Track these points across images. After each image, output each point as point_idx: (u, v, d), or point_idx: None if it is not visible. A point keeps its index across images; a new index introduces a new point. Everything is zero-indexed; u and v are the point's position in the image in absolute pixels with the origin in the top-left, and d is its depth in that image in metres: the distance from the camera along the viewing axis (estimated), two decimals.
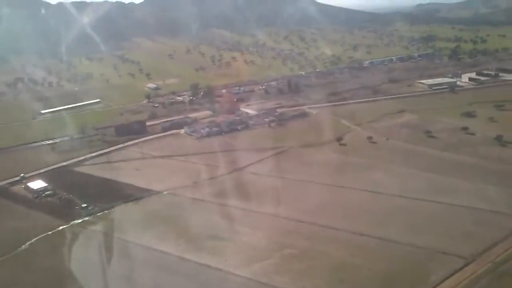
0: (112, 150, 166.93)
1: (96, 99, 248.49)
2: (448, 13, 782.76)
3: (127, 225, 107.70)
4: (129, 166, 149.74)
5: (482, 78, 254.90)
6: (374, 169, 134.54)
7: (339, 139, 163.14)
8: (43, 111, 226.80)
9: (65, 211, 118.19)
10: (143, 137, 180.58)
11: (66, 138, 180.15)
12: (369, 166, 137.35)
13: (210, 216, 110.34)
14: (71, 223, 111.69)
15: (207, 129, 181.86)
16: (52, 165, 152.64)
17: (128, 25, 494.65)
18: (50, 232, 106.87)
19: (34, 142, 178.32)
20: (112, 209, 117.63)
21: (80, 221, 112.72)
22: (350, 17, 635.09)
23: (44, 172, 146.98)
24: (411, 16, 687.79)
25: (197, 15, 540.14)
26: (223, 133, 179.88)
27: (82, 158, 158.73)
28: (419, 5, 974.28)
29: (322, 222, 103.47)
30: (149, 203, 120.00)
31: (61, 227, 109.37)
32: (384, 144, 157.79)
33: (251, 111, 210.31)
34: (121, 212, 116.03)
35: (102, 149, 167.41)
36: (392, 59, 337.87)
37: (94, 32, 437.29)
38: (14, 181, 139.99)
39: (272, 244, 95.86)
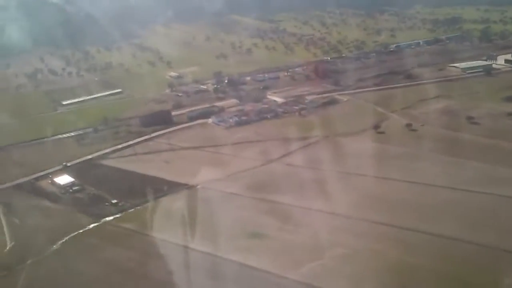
0: (139, 142, 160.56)
1: (117, 89, 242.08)
2: None
3: (161, 223, 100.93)
4: (157, 159, 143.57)
5: None
6: (418, 158, 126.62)
7: (376, 127, 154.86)
8: (64, 102, 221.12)
9: (94, 208, 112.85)
10: (170, 127, 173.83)
11: (89, 130, 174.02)
12: (412, 155, 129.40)
13: (249, 212, 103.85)
14: (102, 220, 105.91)
15: (235, 118, 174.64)
16: (78, 158, 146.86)
17: (144, 12, 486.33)
18: (81, 231, 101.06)
19: (57, 135, 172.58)
20: (144, 205, 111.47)
21: (111, 218, 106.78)
22: (369, 0, 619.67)
23: (70, 166, 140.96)
24: None
25: (214, 2, 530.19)
26: (252, 122, 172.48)
27: (108, 150, 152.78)
28: None
29: (371, 218, 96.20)
30: (183, 198, 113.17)
31: (92, 225, 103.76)
32: (424, 131, 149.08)
33: (279, 99, 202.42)
34: (154, 208, 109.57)
35: (128, 141, 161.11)
36: (419, 42, 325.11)
37: (110, 20, 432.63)
38: (40, 176, 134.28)
39: (320, 242, 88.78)
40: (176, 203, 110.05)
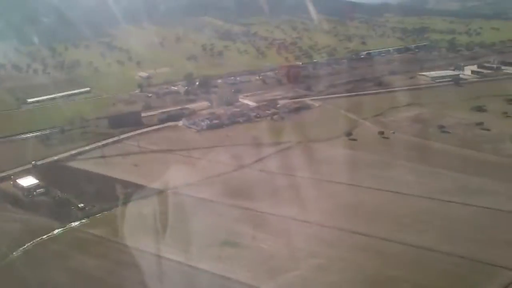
0: (107, 143, 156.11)
1: (85, 87, 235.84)
2: (437, 5, 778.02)
3: (130, 229, 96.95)
4: (126, 161, 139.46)
5: (485, 71, 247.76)
6: (391, 166, 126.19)
7: (348, 133, 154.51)
8: (29, 100, 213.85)
9: (60, 212, 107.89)
10: (139, 129, 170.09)
11: (55, 130, 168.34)
12: (385, 163, 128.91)
13: (221, 219, 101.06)
14: (68, 226, 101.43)
15: (207, 122, 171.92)
16: (43, 159, 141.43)
17: (115, 11, 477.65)
18: (45, 237, 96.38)
19: (21, 134, 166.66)
20: (112, 210, 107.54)
21: (78, 223, 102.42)
22: (340, 7, 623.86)
23: (35, 167, 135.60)
24: (400, 7, 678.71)
25: (185, 3, 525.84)
26: (224, 126, 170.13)
27: (74, 152, 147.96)
28: None
29: (345, 227, 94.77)
30: (152, 203, 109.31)
31: (56, 231, 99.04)
32: (397, 139, 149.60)
33: (251, 103, 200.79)
34: (123, 213, 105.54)
35: (96, 142, 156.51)
36: (389, 50, 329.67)
37: (78, 17, 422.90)
38: (1, 177, 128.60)
39: (294, 252, 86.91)
40: (145, 208, 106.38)
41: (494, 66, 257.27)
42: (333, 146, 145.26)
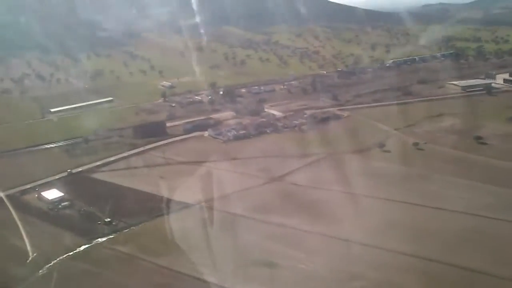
0: (132, 154, 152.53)
1: (108, 97, 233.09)
2: (458, 13, 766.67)
3: (159, 246, 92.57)
4: (153, 173, 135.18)
5: None
6: (429, 180, 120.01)
7: (381, 145, 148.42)
8: (52, 110, 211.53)
9: (86, 227, 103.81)
10: (164, 139, 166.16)
11: (79, 140, 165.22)
12: (422, 176, 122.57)
13: (255, 236, 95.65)
14: (94, 242, 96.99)
15: (233, 132, 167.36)
16: (67, 170, 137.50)
17: (136, 20, 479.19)
18: (70, 254, 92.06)
19: (45, 144, 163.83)
20: (141, 225, 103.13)
21: (104, 239, 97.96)
22: (360, 15, 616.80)
23: (59, 178, 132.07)
24: (421, 16, 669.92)
25: (205, 12, 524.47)
26: (251, 137, 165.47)
27: (99, 163, 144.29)
28: (426, 5, 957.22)
29: (388, 246, 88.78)
30: (182, 218, 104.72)
31: (83, 247, 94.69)
32: (432, 151, 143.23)
33: (277, 113, 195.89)
34: (151, 229, 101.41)
35: (121, 153, 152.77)
36: (415, 58, 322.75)
37: (100, 26, 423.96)
38: (26, 189, 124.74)
39: (336, 273, 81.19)
40: (175, 223, 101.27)
41: None
42: (366, 158, 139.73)
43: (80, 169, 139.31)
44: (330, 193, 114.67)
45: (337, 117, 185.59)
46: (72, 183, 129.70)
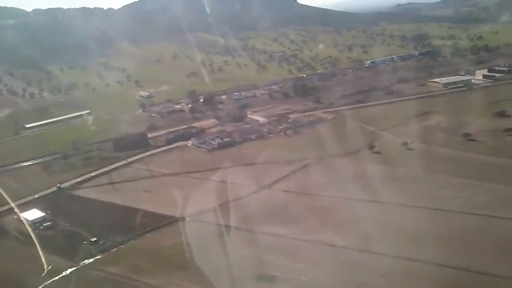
0: (114, 168, 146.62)
1: (85, 110, 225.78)
2: (430, 12, 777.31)
3: (150, 265, 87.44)
4: (137, 187, 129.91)
5: (497, 75, 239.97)
6: (423, 180, 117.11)
7: (370, 146, 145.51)
8: (27, 125, 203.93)
9: (71, 248, 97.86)
10: (147, 151, 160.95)
11: (58, 156, 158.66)
12: (416, 177, 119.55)
13: (251, 248, 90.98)
14: (81, 263, 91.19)
15: (217, 140, 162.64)
16: (47, 189, 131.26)
17: (109, 31, 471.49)
18: (56, 278, 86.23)
19: (22, 162, 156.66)
20: (129, 243, 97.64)
21: (91, 260, 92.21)
22: (333, 17, 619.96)
23: (38, 198, 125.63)
24: (394, 16, 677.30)
25: (179, 19, 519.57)
26: (236, 144, 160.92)
27: (80, 179, 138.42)
28: (398, 5, 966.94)
29: (391, 252, 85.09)
30: (172, 233, 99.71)
31: (69, 270, 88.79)
32: (422, 150, 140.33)
33: (260, 118, 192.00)
34: (140, 247, 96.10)
35: (102, 167, 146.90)
36: (393, 58, 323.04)
37: (73, 39, 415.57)
38: (3, 211, 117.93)
39: (340, 284, 77.07)
40: (165, 240, 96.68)
41: (505, 69, 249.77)
42: (357, 160, 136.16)
43: (61, 186, 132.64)
44: (324, 199, 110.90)
45: (322, 120, 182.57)
46: (53, 201, 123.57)
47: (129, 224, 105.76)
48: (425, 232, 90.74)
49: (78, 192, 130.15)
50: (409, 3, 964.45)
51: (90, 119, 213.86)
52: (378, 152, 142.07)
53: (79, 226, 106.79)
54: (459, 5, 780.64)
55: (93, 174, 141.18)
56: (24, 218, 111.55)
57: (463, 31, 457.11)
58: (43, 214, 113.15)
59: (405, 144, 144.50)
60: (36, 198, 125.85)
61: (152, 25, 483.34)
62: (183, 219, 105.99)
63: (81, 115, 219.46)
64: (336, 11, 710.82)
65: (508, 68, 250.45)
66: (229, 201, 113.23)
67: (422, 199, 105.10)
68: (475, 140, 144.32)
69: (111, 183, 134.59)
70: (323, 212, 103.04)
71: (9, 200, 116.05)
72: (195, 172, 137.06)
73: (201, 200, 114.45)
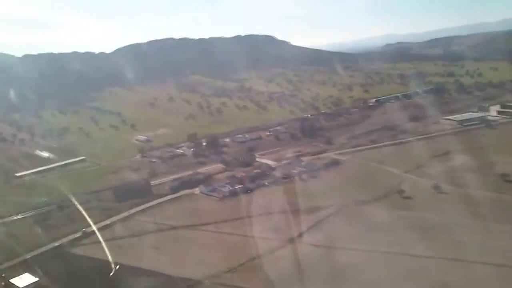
0: (116, 221, 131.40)
1: (79, 156, 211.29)
2: (420, 51, 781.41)
3: None
4: (144, 243, 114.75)
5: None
6: (469, 230, 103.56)
7: (399, 191, 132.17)
8: (18, 174, 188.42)
9: None
10: (150, 201, 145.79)
11: (52, 208, 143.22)
12: (459, 226, 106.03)
13: None
14: None
15: (228, 187, 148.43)
16: (41, 247, 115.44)
17: (101, 75, 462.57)
18: None
19: (12, 215, 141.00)
20: None
21: None
22: (327, 58, 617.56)
23: (31, 258, 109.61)
24: (386, 55, 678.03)
25: (172, 62, 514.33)
26: (249, 191, 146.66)
27: (78, 234, 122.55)
28: (388, 45, 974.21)
29: None
30: None
31: None
32: (458, 194, 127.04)
33: (270, 162, 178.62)
34: None
35: (103, 220, 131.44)
36: (397, 96, 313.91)
37: (64, 83, 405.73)
38: None
39: None
40: None
41: None
42: (387, 207, 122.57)
43: (56, 243, 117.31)
44: (358, 254, 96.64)
45: (337, 163, 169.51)
46: (48, 262, 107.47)
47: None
48: None
49: (77, 250, 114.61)
50: (398, 43, 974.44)
51: (85, 166, 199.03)
52: (408, 197, 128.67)
53: None
54: (448, 44, 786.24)
55: (92, 228, 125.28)
56: (15, 285, 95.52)
57: (459, 68, 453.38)
58: (37, 279, 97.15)
59: (436, 187, 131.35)
60: (28, 258, 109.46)
61: (145, 69, 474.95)
62: (201, 282, 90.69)
63: (76, 161, 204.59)
64: (328, 51, 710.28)
65: None
66: (252, 258, 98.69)
67: (471, 253, 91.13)
68: None
69: (114, 239, 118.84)
70: (359, 269, 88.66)
71: None
72: (207, 224, 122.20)
73: (219, 257, 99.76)
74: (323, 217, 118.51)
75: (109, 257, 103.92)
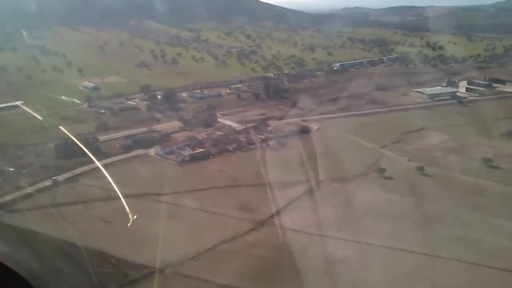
0: (56, 184, 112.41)
1: (16, 101, 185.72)
2: (378, 17, 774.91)
3: None
4: (91, 214, 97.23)
5: (480, 89, 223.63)
6: (464, 222, 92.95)
7: (380, 170, 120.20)
8: None
9: None
10: (98, 160, 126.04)
11: None
12: (452, 216, 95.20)
13: None
14: None
15: (188, 150, 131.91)
16: None
17: (45, 12, 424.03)
18: None
19: None
20: None
21: None
22: (287, 16, 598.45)
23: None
24: (345, 19, 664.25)
25: (123, 4, 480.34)
26: (211, 156, 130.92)
27: (9, 197, 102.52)
28: (345, 9, 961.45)
29: None
30: None
31: None
32: (443, 178, 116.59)
33: (234, 124, 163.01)
34: None
35: (40, 181, 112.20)
36: (362, 62, 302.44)
37: (2, 17, 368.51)
38: None
39: None
40: None
41: (486, 83, 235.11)
42: (367, 188, 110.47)
43: None
44: (343, 244, 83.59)
45: (307, 130, 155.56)
46: None
47: (82, 276, 73.62)
48: None
49: (5, 218, 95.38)
50: (355, 8, 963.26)
51: (23, 112, 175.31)
52: (390, 178, 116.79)
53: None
54: (405, 13, 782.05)
55: (27, 191, 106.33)
56: None
57: (419, 39, 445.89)
58: None
59: (420, 169, 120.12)
60: None
61: (94, 9, 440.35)
62: (160, 271, 75.38)
63: (13, 106, 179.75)
64: (288, 9, 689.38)
65: (488, 82, 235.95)
66: (217, 243, 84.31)
67: (471, 251, 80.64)
68: (498, 168, 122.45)
69: (52, 205, 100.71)
70: (346, 262, 76.13)
71: None
72: (165, 194, 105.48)
73: (182, 239, 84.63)
74: (297, 196, 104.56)
75: (41, 227, 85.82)
